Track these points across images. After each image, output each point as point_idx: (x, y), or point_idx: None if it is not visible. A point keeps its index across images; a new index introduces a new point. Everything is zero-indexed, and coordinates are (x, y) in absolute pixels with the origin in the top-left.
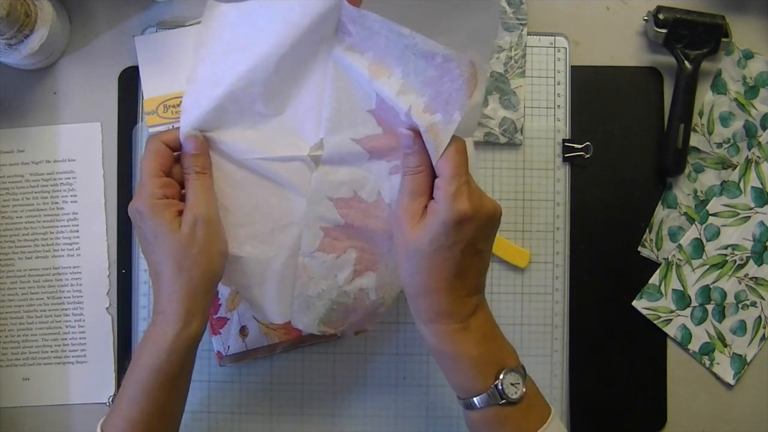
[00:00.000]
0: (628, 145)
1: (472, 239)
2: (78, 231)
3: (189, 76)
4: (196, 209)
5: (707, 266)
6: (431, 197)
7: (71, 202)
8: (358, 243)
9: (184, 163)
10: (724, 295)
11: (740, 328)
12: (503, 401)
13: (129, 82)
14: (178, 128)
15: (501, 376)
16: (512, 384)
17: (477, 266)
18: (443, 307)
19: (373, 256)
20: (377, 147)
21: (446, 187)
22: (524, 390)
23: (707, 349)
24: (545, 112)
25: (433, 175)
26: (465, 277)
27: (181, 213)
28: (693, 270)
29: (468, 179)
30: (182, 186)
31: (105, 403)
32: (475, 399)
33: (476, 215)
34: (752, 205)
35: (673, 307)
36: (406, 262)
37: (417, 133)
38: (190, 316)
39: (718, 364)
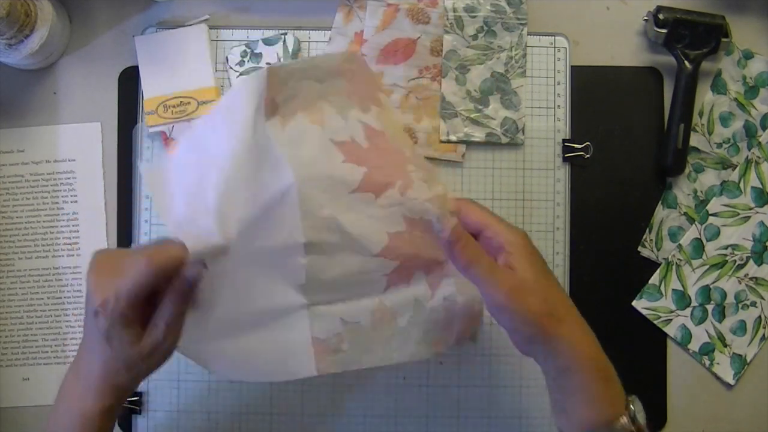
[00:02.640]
0: (628, 145)
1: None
2: (78, 231)
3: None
4: (157, 342)
5: (707, 266)
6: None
7: (71, 202)
8: (421, 263)
9: (171, 292)
10: (724, 295)
11: (740, 328)
12: (634, 429)
13: (129, 82)
14: (175, 251)
15: (630, 399)
16: (639, 411)
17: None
18: (580, 322)
19: (440, 265)
20: (372, 181)
21: (500, 228)
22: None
23: (707, 349)
24: (545, 112)
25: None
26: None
27: (143, 326)
28: (693, 270)
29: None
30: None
31: None
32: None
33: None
34: (752, 205)
35: (673, 307)
36: (543, 305)
37: (459, 226)
38: (119, 398)
39: (718, 364)
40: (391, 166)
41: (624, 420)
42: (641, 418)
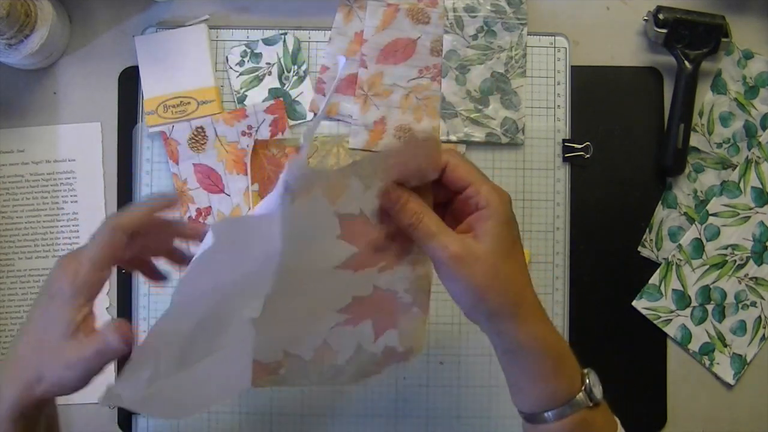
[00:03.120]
0: (628, 145)
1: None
2: (78, 231)
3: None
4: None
5: (707, 266)
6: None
7: (71, 202)
8: (370, 316)
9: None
10: (724, 295)
11: (740, 328)
12: (591, 404)
13: (129, 82)
14: (138, 211)
15: (585, 372)
16: (595, 385)
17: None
18: (537, 303)
19: (390, 318)
20: (360, 263)
21: (484, 187)
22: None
23: (707, 349)
24: (545, 112)
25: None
26: (525, 267)
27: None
28: (693, 270)
29: None
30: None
31: None
32: (564, 406)
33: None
34: (752, 205)
35: (673, 307)
36: (494, 280)
37: (390, 185)
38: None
39: (718, 364)
40: (390, 251)
41: (580, 396)
42: (598, 392)
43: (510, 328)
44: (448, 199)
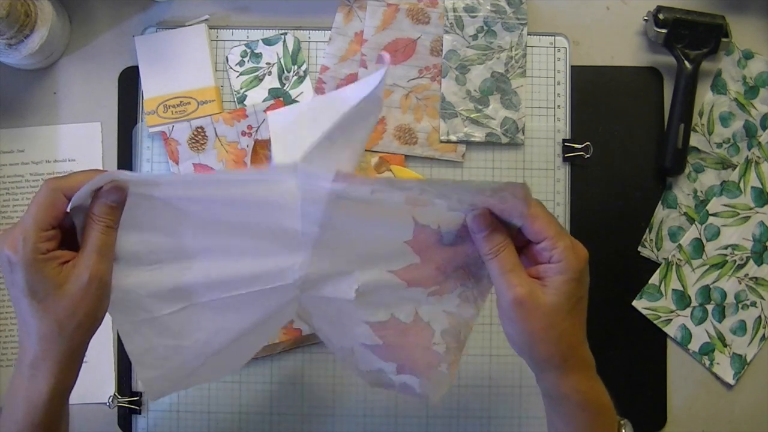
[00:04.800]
0: (628, 145)
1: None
2: None
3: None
4: (94, 268)
5: (707, 266)
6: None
7: None
8: (398, 357)
9: (96, 211)
10: (724, 295)
11: (740, 328)
12: None
13: (129, 82)
14: (81, 175)
15: (622, 423)
16: None
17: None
18: (584, 362)
19: (414, 364)
20: (416, 277)
21: (561, 243)
22: None
23: (707, 349)
24: (545, 112)
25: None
26: (585, 324)
27: (65, 263)
28: (693, 270)
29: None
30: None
31: (105, 403)
32: None
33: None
34: (752, 205)
35: (673, 307)
36: (549, 332)
37: (485, 211)
38: (65, 373)
39: (718, 364)
40: (448, 276)
41: None
42: None
43: (554, 377)
44: (524, 243)
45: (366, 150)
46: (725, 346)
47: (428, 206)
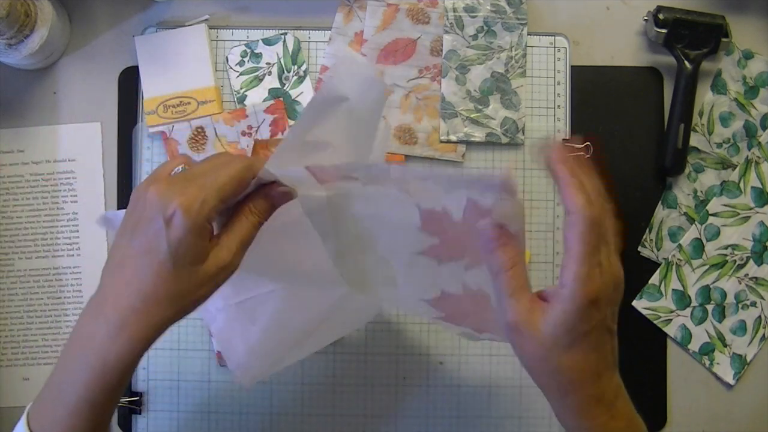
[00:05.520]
0: (628, 145)
1: (605, 317)
2: (78, 231)
3: None
4: (235, 256)
5: (707, 266)
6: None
7: (71, 202)
8: (470, 323)
9: (257, 206)
10: (724, 295)
11: (740, 328)
12: None
13: (129, 82)
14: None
15: None
16: None
17: (612, 341)
18: (594, 398)
19: (486, 325)
20: (443, 254)
21: (578, 269)
22: None
23: (707, 349)
24: (545, 112)
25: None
26: (606, 359)
27: (211, 240)
28: (693, 270)
29: (600, 259)
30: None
31: None
32: None
33: (606, 291)
34: (752, 205)
35: (673, 307)
36: (543, 365)
37: (491, 228)
38: (150, 343)
39: (718, 364)
40: (474, 248)
41: None
42: None
43: (556, 407)
44: None
45: None
46: (725, 346)
47: (421, 191)
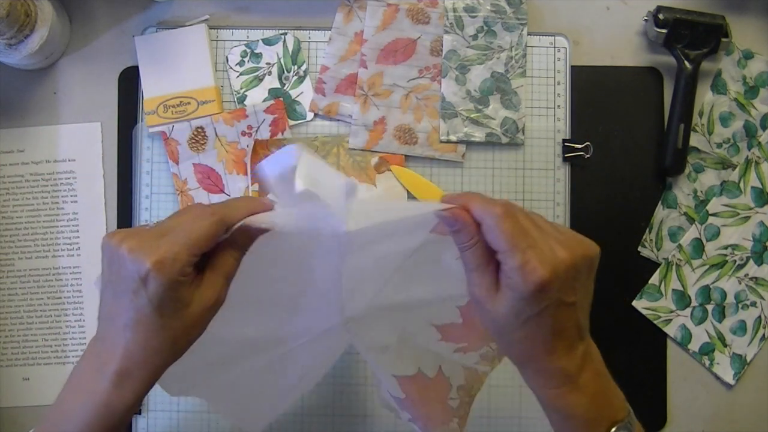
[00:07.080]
0: (628, 145)
1: (558, 299)
2: (78, 231)
3: None
4: (220, 292)
5: (707, 266)
6: (497, 262)
7: (71, 202)
8: (416, 411)
9: (239, 240)
10: (724, 295)
11: (740, 328)
12: None
13: (129, 82)
14: (245, 209)
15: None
16: (634, 423)
17: (573, 317)
18: (549, 371)
19: (428, 419)
20: (452, 334)
21: (510, 261)
22: None
23: (707, 349)
24: (545, 112)
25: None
26: (562, 334)
27: (192, 283)
28: (693, 270)
29: (532, 242)
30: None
31: None
32: None
33: (554, 276)
34: (752, 205)
35: (673, 307)
36: (500, 338)
37: (458, 210)
38: (151, 385)
39: (718, 364)
40: (475, 337)
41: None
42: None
43: (521, 373)
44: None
45: (366, 150)
46: (725, 346)
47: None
